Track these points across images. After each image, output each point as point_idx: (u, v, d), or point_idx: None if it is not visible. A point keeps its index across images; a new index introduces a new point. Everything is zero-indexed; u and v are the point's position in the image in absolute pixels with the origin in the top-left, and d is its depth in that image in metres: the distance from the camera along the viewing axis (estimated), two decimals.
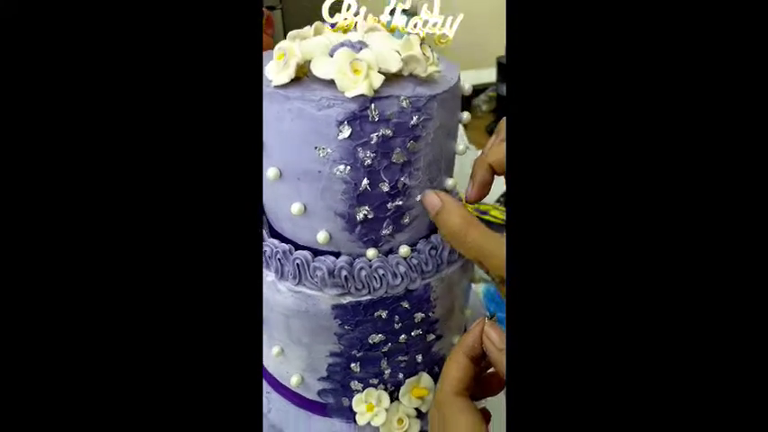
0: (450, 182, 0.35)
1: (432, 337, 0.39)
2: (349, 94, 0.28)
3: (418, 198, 0.33)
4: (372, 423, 0.38)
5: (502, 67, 1.28)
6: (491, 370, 0.36)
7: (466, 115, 0.35)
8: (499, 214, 0.87)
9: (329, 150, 0.30)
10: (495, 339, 0.31)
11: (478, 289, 0.72)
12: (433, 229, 0.36)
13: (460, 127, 0.36)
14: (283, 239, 0.36)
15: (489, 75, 1.37)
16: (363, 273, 0.34)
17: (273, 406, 0.42)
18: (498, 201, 0.96)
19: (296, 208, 0.32)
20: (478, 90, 1.36)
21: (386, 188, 0.31)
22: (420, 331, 0.37)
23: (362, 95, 0.28)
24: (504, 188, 0.94)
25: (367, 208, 0.32)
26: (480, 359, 0.32)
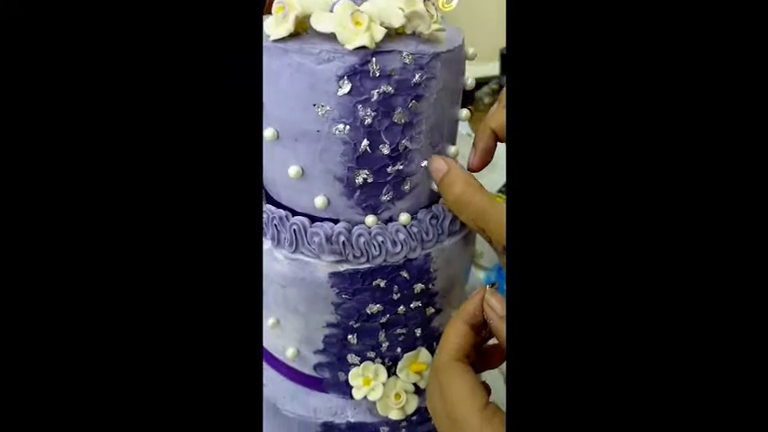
0: (452, 149, 0.34)
1: (431, 310, 0.38)
2: (349, 47, 0.27)
3: (420, 164, 0.32)
4: (369, 398, 0.37)
5: (505, 60, 1.27)
6: (491, 342, 0.35)
7: (470, 81, 0.34)
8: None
9: (328, 108, 0.29)
10: (497, 307, 0.30)
11: (479, 275, 0.72)
12: (434, 198, 0.35)
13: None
14: (280, 206, 0.35)
15: (493, 68, 1.37)
16: (362, 239, 0.33)
17: (268, 381, 0.41)
18: (500, 191, 0.95)
19: (293, 171, 0.32)
20: (481, 83, 1.35)
21: (386, 150, 0.31)
22: (419, 303, 0.36)
23: (363, 48, 0.27)
24: (505, 179, 0.93)
25: (366, 171, 0.31)
26: (481, 328, 0.31)
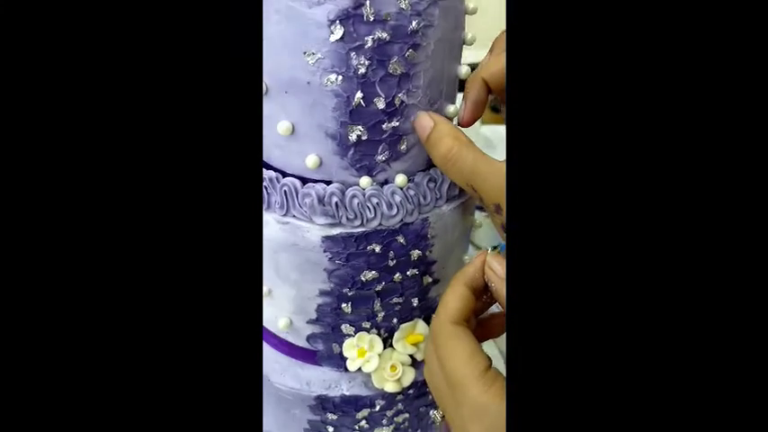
0: (451, 108, 0.33)
1: (428, 279, 0.36)
2: None
3: None
4: (364, 369, 0.36)
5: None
6: (491, 311, 0.34)
7: (470, 36, 0.33)
8: None
9: (319, 56, 0.27)
10: (498, 270, 0.28)
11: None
12: (432, 162, 0.34)
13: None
14: (270, 168, 0.33)
15: None
16: (356, 201, 0.31)
17: None
18: None
19: (283, 127, 0.30)
20: None
21: (381, 105, 0.29)
22: (416, 271, 0.35)
23: None
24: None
25: (360, 128, 0.29)
26: (481, 293, 0.30)
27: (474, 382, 0.25)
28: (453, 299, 0.29)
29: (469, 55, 0.35)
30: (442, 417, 0.30)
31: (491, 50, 0.32)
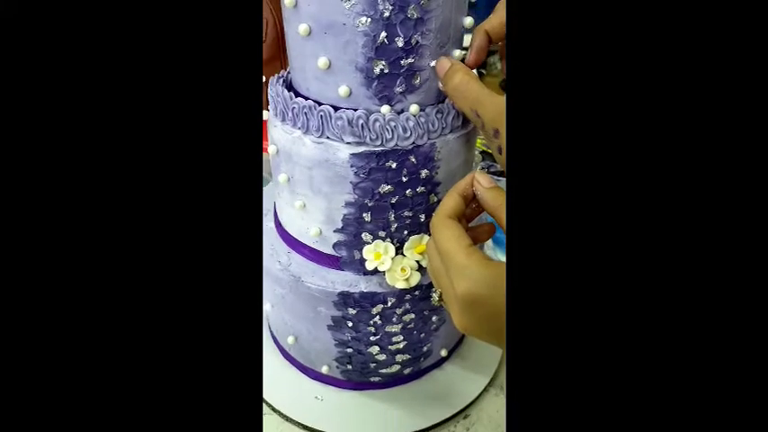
0: (457, 52, 0.40)
1: (434, 198, 0.44)
2: None
3: (429, 62, 0.39)
4: (379, 269, 0.44)
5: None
6: (478, 225, 0.41)
7: None
8: None
9: (354, 1, 0.35)
10: (483, 181, 0.36)
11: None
12: (441, 98, 0.41)
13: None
14: (308, 99, 0.41)
15: None
16: (378, 124, 0.39)
17: (293, 260, 0.48)
18: None
19: (322, 62, 0.38)
20: (492, 50, 1.40)
21: (400, 43, 0.37)
22: (424, 189, 0.43)
23: None
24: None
25: (383, 62, 0.37)
26: (471, 201, 0.38)
27: (460, 252, 0.33)
28: (448, 200, 0.36)
29: None
30: (440, 296, 0.38)
31: (495, 11, 0.40)
